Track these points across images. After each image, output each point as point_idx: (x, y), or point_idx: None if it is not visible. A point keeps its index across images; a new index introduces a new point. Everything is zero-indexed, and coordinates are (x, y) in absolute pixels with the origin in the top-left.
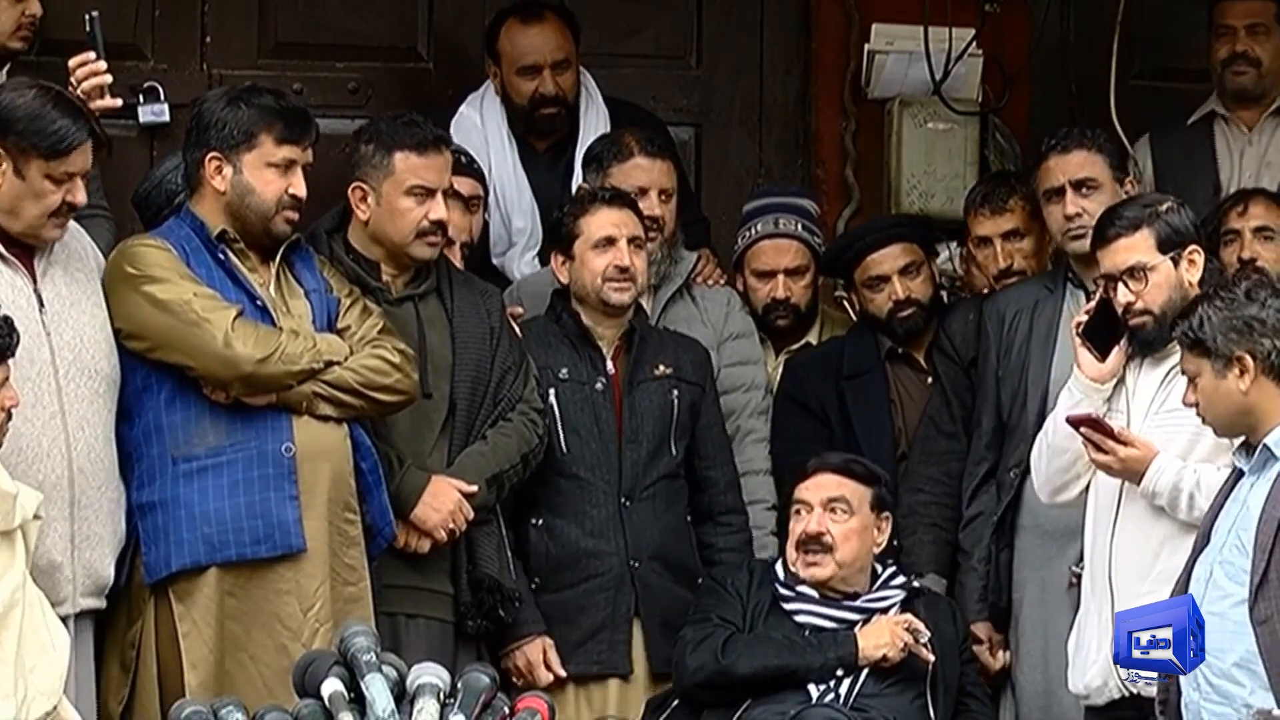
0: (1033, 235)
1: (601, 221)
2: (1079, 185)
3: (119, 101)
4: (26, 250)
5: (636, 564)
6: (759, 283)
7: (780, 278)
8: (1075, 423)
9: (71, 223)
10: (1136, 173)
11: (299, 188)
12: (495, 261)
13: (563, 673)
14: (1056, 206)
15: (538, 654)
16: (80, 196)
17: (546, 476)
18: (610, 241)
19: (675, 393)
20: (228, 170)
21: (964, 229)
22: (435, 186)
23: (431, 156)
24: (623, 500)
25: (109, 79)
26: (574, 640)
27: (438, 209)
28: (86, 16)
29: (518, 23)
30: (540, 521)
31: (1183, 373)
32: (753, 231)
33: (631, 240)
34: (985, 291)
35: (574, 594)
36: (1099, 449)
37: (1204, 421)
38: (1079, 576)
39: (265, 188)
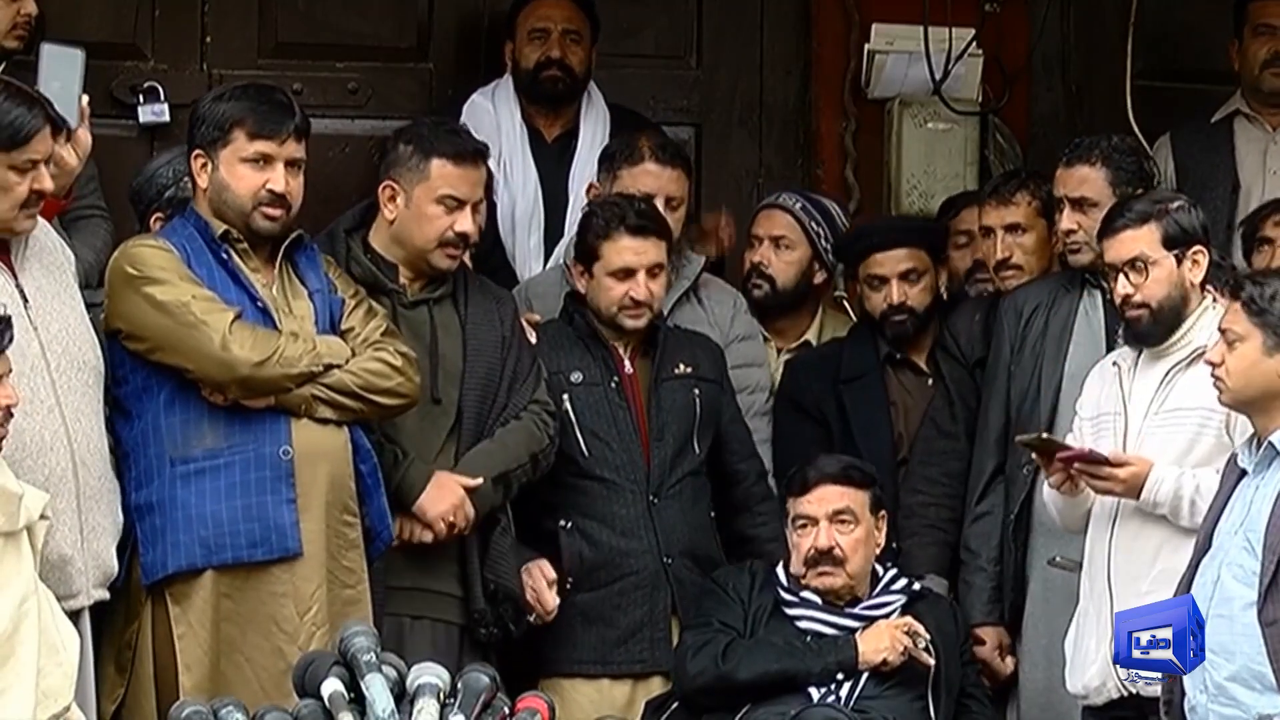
0: (1035, 232)
1: (622, 249)
2: (1076, 202)
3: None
4: (2, 248)
5: (669, 561)
6: (748, 252)
7: (764, 244)
8: (1067, 461)
9: (40, 219)
10: (1157, 176)
11: (277, 183)
12: (505, 240)
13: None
14: (1060, 217)
15: (540, 580)
16: (47, 184)
17: (570, 480)
18: (629, 273)
19: (697, 391)
20: (209, 167)
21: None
22: (466, 199)
23: (467, 168)
24: (650, 498)
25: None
26: (614, 639)
27: (465, 221)
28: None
29: None
30: (570, 524)
31: (1220, 331)
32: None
33: (652, 269)
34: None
35: (609, 593)
36: (1095, 477)
37: (1217, 383)
38: (1063, 567)
39: (238, 184)
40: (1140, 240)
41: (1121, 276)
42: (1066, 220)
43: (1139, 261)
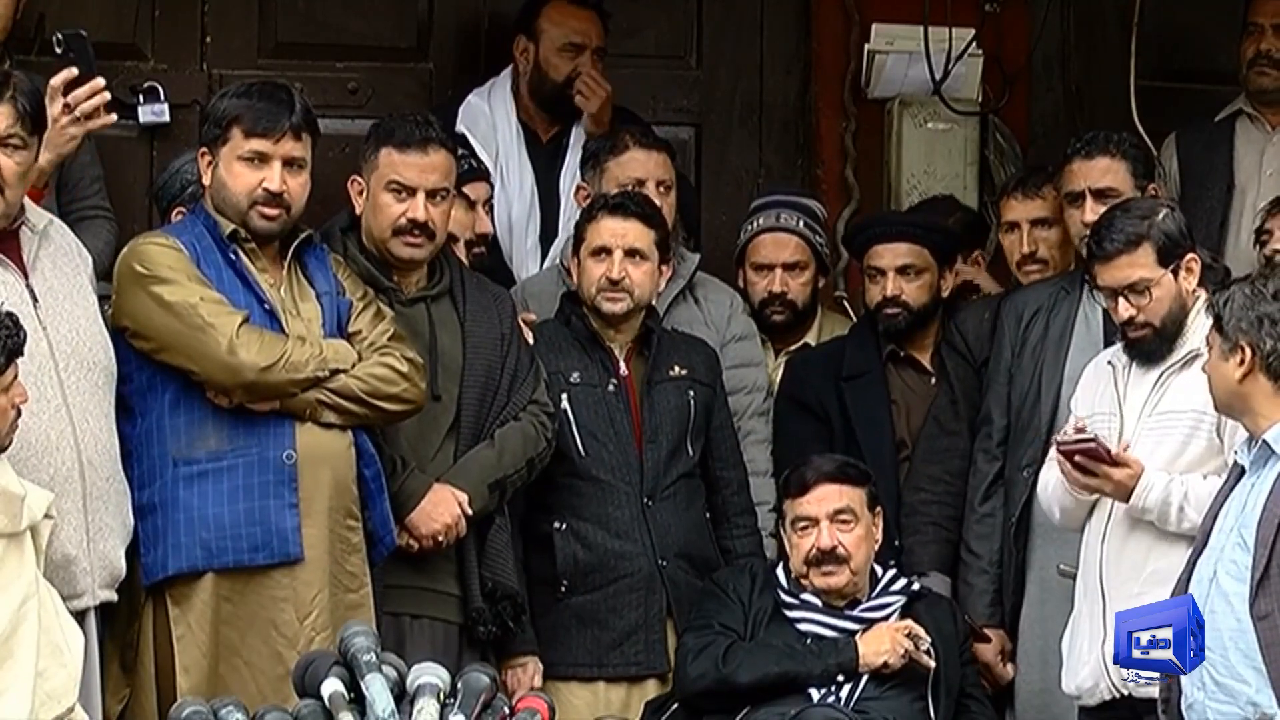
0: (1060, 227)
1: (600, 229)
2: (1099, 193)
3: (114, 117)
4: (14, 247)
5: (664, 563)
6: (757, 277)
7: (778, 272)
8: (1068, 453)
9: (55, 220)
10: (1161, 174)
11: (273, 181)
12: (502, 241)
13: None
14: (1077, 211)
15: (529, 679)
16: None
17: (565, 481)
18: (606, 251)
19: (691, 393)
20: (213, 165)
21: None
22: (415, 185)
23: (413, 155)
24: (645, 500)
25: (107, 96)
26: (608, 642)
27: (416, 209)
28: (56, 36)
29: (567, 3)
30: (564, 525)
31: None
32: (754, 225)
33: (631, 252)
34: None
35: (604, 595)
36: (1087, 472)
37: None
38: (1068, 575)
39: (234, 181)
40: (1137, 265)
41: (1121, 299)
42: (1089, 212)
43: (1139, 285)
